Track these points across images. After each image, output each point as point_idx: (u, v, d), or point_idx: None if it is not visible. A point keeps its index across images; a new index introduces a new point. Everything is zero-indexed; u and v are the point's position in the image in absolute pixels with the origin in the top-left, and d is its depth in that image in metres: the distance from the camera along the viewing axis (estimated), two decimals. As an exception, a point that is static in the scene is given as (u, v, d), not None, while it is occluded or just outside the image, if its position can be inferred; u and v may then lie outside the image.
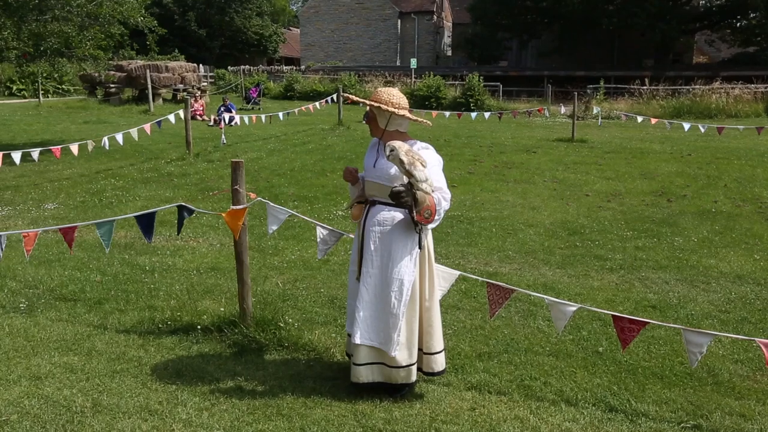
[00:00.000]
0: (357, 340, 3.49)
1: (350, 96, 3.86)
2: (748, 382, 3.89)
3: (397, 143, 3.32)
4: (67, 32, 12.22)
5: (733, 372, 4.01)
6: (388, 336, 3.47)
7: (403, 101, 3.54)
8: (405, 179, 3.35)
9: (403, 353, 3.51)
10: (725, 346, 4.36)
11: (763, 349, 3.37)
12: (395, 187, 3.33)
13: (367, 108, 3.61)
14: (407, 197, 3.30)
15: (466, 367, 4.02)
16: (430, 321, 3.60)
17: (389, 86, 27.70)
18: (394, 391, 3.63)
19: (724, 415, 3.52)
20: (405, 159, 3.25)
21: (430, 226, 3.46)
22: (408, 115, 3.52)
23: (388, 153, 3.30)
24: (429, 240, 3.62)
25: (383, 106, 3.45)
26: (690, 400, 3.67)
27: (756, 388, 3.82)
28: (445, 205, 3.43)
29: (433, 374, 3.68)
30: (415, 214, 3.35)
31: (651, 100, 23.99)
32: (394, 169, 3.42)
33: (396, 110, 3.46)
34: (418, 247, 3.48)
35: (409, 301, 3.49)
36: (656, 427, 3.40)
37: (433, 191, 3.38)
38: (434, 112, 17.68)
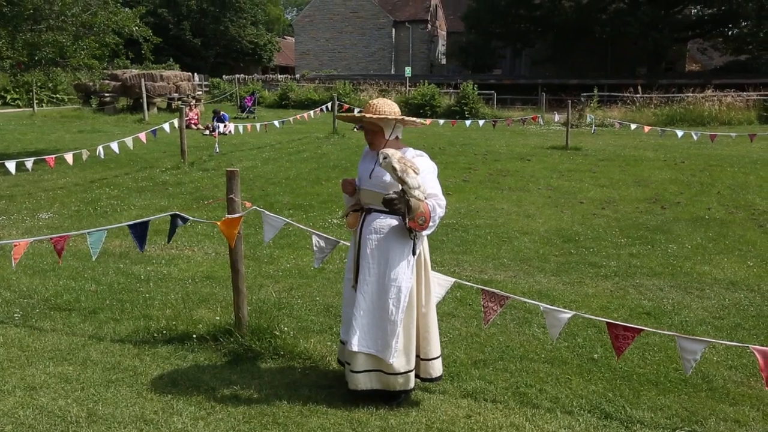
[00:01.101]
0: (354, 347, 3.49)
1: (352, 115, 3.82)
2: (743, 388, 3.91)
3: (389, 150, 3.36)
4: (62, 42, 12.20)
5: (727, 378, 4.03)
6: (385, 343, 3.48)
7: (398, 107, 3.61)
8: (399, 186, 3.38)
9: (400, 360, 3.52)
10: (719, 352, 4.38)
11: (757, 356, 3.38)
12: (388, 194, 3.36)
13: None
14: (400, 204, 3.33)
15: (461, 375, 4.03)
16: (427, 327, 3.61)
17: (384, 95, 27.86)
18: (390, 398, 3.63)
19: (718, 420, 3.54)
20: (397, 166, 3.28)
21: (425, 232, 3.49)
22: (411, 119, 3.63)
23: (381, 160, 3.33)
24: (425, 246, 3.64)
25: (389, 117, 3.51)
26: (685, 407, 3.68)
27: (750, 393, 3.83)
28: (440, 211, 3.46)
29: (431, 380, 3.69)
30: (408, 220, 3.37)
31: (644, 107, 24.12)
32: (389, 177, 3.44)
33: (403, 117, 3.56)
34: (412, 253, 3.49)
35: (407, 308, 3.51)
36: (651, 434, 3.41)
37: (426, 198, 3.41)
38: (428, 120, 17.73)
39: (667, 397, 3.80)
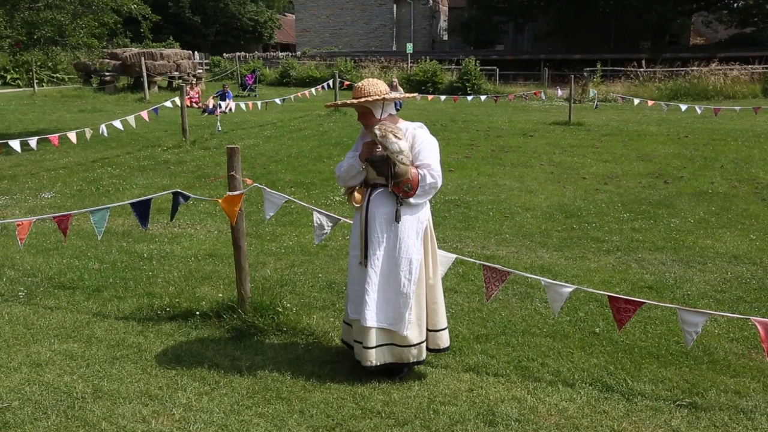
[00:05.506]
0: (368, 323, 3.51)
1: (335, 103, 3.96)
2: (743, 360, 3.93)
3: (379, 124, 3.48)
4: (60, 20, 12.12)
5: (728, 350, 4.05)
6: (399, 315, 3.52)
7: (384, 86, 3.59)
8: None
9: (413, 331, 3.56)
10: (721, 325, 4.40)
11: (758, 327, 3.39)
12: (372, 155, 3.45)
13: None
14: (383, 166, 3.39)
15: (464, 349, 4.05)
16: (435, 298, 3.66)
17: (385, 72, 27.68)
18: (393, 373, 3.66)
19: (719, 392, 3.56)
20: (378, 132, 3.39)
21: (412, 200, 3.50)
22: (396, 95, 3.61)
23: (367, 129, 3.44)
24: (429, 219, 3.65)
25: (372, 98, 3.49)
26: (686, 379, 3.70)
27: (751, 365, 3.85)
28: (430, 180, 3.47)
29: (439, 351, 3.74)
30: (391, 184, 3.40)
31: (648, 82, 23.93)
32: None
33: (386, 95, 3.53)
34: (395, 220, 3.50)
35: (417, 280, 3.54)
36: (652, 405, 3.44)
37: (419, 167, 3.47)
38: (430, 96, 17.66)
39: (668, 369, 3.82)
